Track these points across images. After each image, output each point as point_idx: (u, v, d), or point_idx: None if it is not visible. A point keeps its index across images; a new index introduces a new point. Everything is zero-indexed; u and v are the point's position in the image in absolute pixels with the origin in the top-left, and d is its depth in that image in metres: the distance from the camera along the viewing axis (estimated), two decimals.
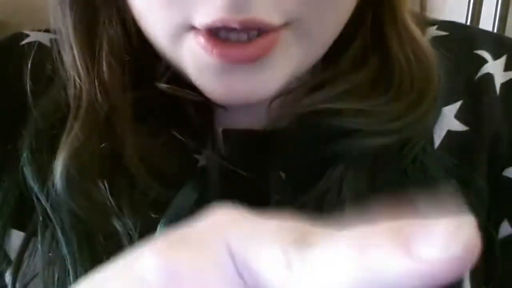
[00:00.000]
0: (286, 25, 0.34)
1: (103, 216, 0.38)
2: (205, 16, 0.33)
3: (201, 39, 0.34)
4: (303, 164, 0.39)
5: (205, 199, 0.39)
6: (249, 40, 0.34)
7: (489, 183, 0.41)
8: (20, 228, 0.40)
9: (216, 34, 0.34)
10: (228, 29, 0.34)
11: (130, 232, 0.37)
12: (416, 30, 0.41)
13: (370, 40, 0.41)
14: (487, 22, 1.17)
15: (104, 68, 0.39)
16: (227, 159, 0.40)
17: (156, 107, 0.41)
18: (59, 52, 0.41)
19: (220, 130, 0.41)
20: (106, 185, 0.38)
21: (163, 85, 0.40)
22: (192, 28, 0.35)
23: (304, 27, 0.35)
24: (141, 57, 0.40)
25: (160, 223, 0.37)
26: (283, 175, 0.39)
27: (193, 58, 0.36)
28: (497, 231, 0.41)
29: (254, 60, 0.34)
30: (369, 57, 0.41)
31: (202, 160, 0.41)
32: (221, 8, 0.32)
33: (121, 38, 0.40)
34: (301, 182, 0.39)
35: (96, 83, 0.39)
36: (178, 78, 0.40)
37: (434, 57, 0.41)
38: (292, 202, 0.38)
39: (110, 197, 0.38)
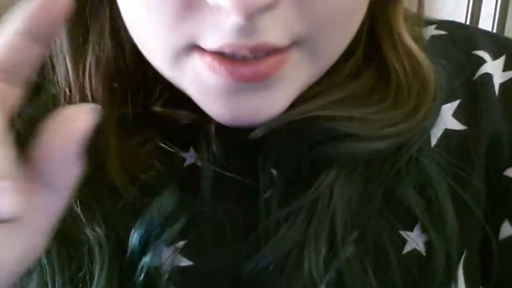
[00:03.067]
0: (295, 44, 0.33)
1: (77, 225, 0.38)
2: (212, 41, 0.32)
3: (207, 58, 0.33)
4: (295, 164, 0.39)
5: (192, 197, 0.39)
6: (257, 58, 0.33)
7: (488, 183, 0.40)
8: None
9: (222, 54, 0.33)
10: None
11: (101, 242, 0.37)
12: (411, 43, 0.41)
13: (366, 52, 0.41)
14: (486, 23, 1.17)
15: (88, 84, 0.39)
16: (219, 157, 0.40)
17: (144, 120, 0.41)
18: (52, 63, 0.41)
19: (213, 128, 0.41)
20: (83, 194, 0.38)
21: (158, 109, 0.40)
22: (196, 47, 0.33)
23: (313, 46, 0.34)
24: (136, 76, 0.40)
25: (134, 229, 0.37)
26: (274, 172, 0.39)
27: (197, 80, 0.34)
28: (497, 232, 0.41)
29: (264, 79, 0.33)
30: (364, 68, 0.41)
31: (189, 159, 0.41)
32: (230, 33, 0.31)
33: (112, 55, 0.39)
34: (292, 181, 0.39)
35: (83, 97, 0.39)
36: (174, 95, 0.40)
37: (431, 68, 0.41)
38: (282, 200, 0.38)
39: (85, 206, 0.38)
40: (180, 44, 0.33)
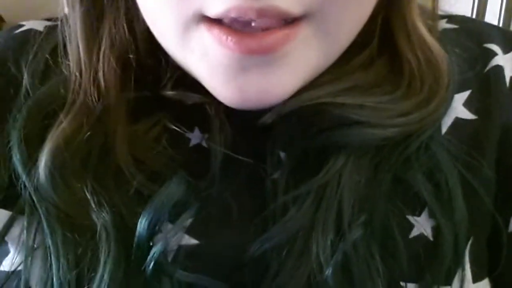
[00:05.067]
0: (305, 17, 0.33)
1: (83, 209, 0.38)
2: (219, 4, 0.31)
3: (215, 30, 0.32)
4: (303, 148, 0.39)
5: (199, 179, 0.39)
6: (265, 31, 0.32)
7: (498, 173, 0.41)
8: (7, 208, 0.40)
9: (230, 26, 0.32)
10: (242, 23, 0.32)
11: (107, 227, 0.37)
12: (425, 33, 0.41)
13: (379, 42, 0.41)
14: (492, 21, 1.17)
15: (101, 68, 0.39)
16: (228, 139, 0.40)
17: (153, 105, 0.41)
18: (64, 45, 0.42)
19: (222, 109, 0.40)
20: (90, 180, 0.38)
21: (169, 93, 0.40)
22: (204, 19, 0.33)
23: (325, 22, 0.33)
24: (147, 61, 0.40)
25: (142, 216, 0.37)
26: (282, 154, 0.39)
27: (204, 56, 0.34)
28: (507, 223, 0.41)
29: (270, 51, 0.32)
30: (377, 59, 0.41)
31: (194, 139, 0.41)
32: None
33: (125, 38, 0.39)
34: (300, 165, 0.39)
35: (92, 82, 0.39)
36: (184, 78, 0.40)
37: (445, 58, 0.41)
38: (289, 182, 0.38)
39: (91, 192, 0.38)
40: (187, 15, 0.33)
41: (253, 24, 0.32)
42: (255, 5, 0.31)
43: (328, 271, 0.36)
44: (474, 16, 1.19)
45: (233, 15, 0.31)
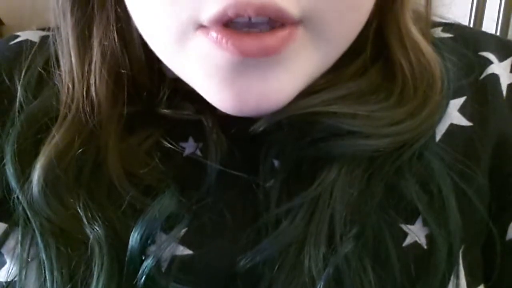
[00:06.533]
0: (303, 22, 0.32)
1: (77, 224, 0.38)
2: (214, 5, 0.30)
3: (213, 33, 0.31)
4: (296, 158, 0.39)
5: (193, 190, 0.39)
6: (263, 31, 0.31)
7: (493, 181, 0.40)
8: (2, 220, 0.40)
9: (228, 25, 0.31)
10: (240, 24, 0.31)
11: (100, 241, 0.37)
12: (419, 37, 0.41)
13: (373, 49, 0.41)
14: (489, 27, 1.17)
15: (93, 80, 0.39)
16: (222, 150, 0.40)
17: (147, 119, 0.41)
18: (56, 56, 0.42)
19: (216, 121, 0.40)
20: (83, 194, 0.38)
21: (164, 110, 0.40)
22: (200, 27, 0.32)
23: (323, 26, 0.33)
24: (140, 75, 0.40)
25: (134, 229, 0.37)
26: (276, 163, 0.39)
27: (203, 60, 0.33)
28: (504, 231, 0.41)
29: (272, 53, 0.32)
30: (371, 65, 0.41)
31: (188, 149, 0.41)
32: None
33: (117, 50, 0.39)
34: (293, 175, 0.39)
35: (84, 95, 0.39)
36: (179, 91, 0.40)
37: (438, 63, 0.41)
38: (281, 192, 0.38)
39: (84, 206, 0.38)
40: (183, 19, 0.32)
41: (252, 20, 0.31)
42: (253, 2, 0.30)
43: (320, 285, 0.36)
44: (472, 21, 1.20)
45: (230, 13, 0.30)
